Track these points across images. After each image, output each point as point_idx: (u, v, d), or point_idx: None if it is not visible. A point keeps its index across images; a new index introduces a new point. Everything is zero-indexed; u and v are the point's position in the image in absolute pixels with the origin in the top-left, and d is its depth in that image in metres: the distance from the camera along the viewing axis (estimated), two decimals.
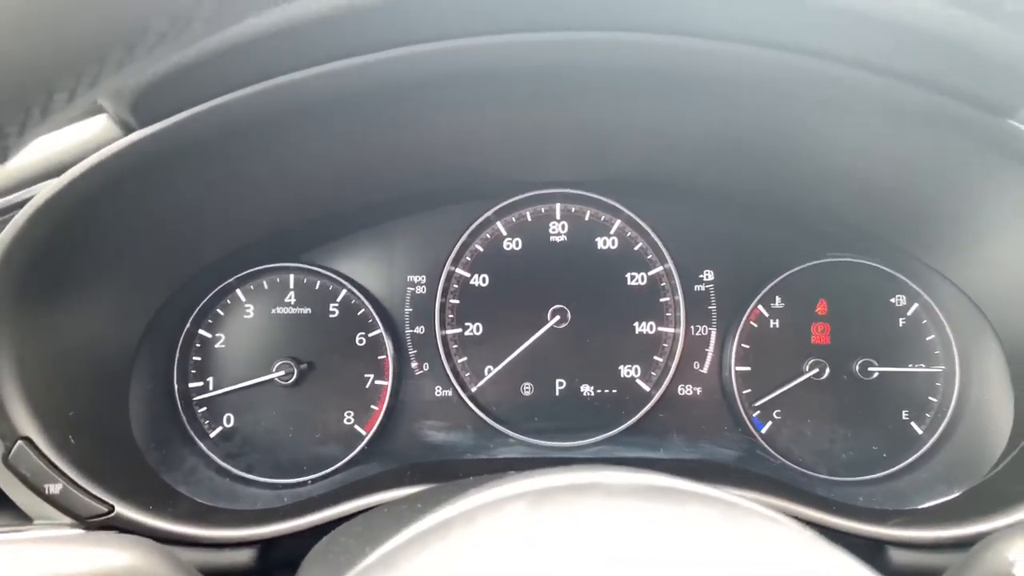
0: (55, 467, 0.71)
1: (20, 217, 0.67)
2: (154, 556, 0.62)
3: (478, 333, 1.02)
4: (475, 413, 1.01)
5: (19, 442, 0.71)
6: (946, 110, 0.68)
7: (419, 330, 1.02)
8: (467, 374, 1.02)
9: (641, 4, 0.65)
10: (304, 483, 0.95)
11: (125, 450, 0.84)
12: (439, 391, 1.02)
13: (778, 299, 1.00)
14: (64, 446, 0.73)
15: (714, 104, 0.77)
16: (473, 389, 1.01)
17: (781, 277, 1.00)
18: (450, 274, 1.02)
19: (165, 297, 0.91)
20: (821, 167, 0.87)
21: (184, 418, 0.96)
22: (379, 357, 1.00)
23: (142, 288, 0.88)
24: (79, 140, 0.68)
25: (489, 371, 1.01)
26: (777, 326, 1.00)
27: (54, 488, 0.71)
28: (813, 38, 0.66)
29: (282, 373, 0.96)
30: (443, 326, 1.02)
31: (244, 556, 0.75)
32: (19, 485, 0.72)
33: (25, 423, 0.71)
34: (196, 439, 0.96)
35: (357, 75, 0.68)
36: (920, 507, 0.85)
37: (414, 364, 1.02)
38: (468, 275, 1.02)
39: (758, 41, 0.67)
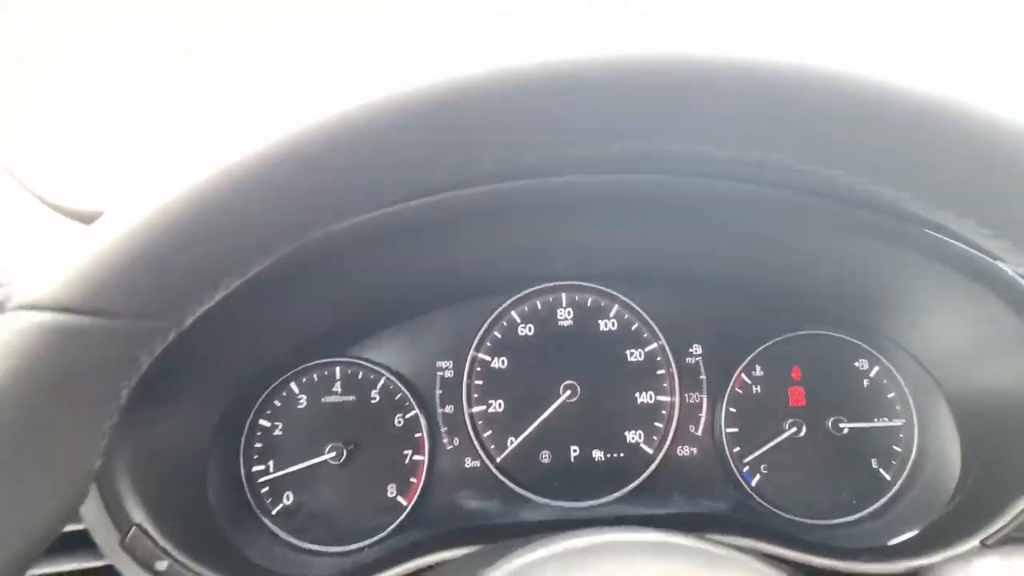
0: (161, 548, 0.86)
1: None
2: None
3: (500, 410, 1.17)
4: (501, 480, 1.15)
5: (133, 528, 0.85)
6: (878, 224, 0.85)
7: (449, 409, 1.17)
8: (492, 446, 1.17)
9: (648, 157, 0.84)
10: (360, 550, 1.09)
11: (211, 531, 0.98)
12: (469, 462, 1.16)
13: (758, 368, 1.16)
14: (166, 530, 0.87)
15: (699, 224, 0.95)
16: (498, 459, 1.16)
17: (760, 349, 1.15)
18: (474, 359, 1.18)
19: (233, 396, 1.07)
20: (788, 265, 1.04)
21: (251, 499, 1.10)
22: (416, 435, 1.15)
23: (216, 390, 1.03)
24: None
25: (511, 443, 1.16)
26: (759, 391, 1.15)
27: (161, 565, 0.85)
28: (778, 175, 0.85)
29: (333, 454, 1.11)
30: (470, 405, 1.17)
31: None
32: (133, 565, 0.86)
33: (136, 512, 0.86)
34: (262, 517, 1.10)
35: (411, 215, 0.86)
36: (888, 544, 0.99)
37: (446, 440, 1.17)
38: (489, 359, 1.18)
39: (738, 178, 0.85)
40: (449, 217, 0.94)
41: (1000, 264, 0.86)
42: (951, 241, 0.86)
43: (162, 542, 0.86)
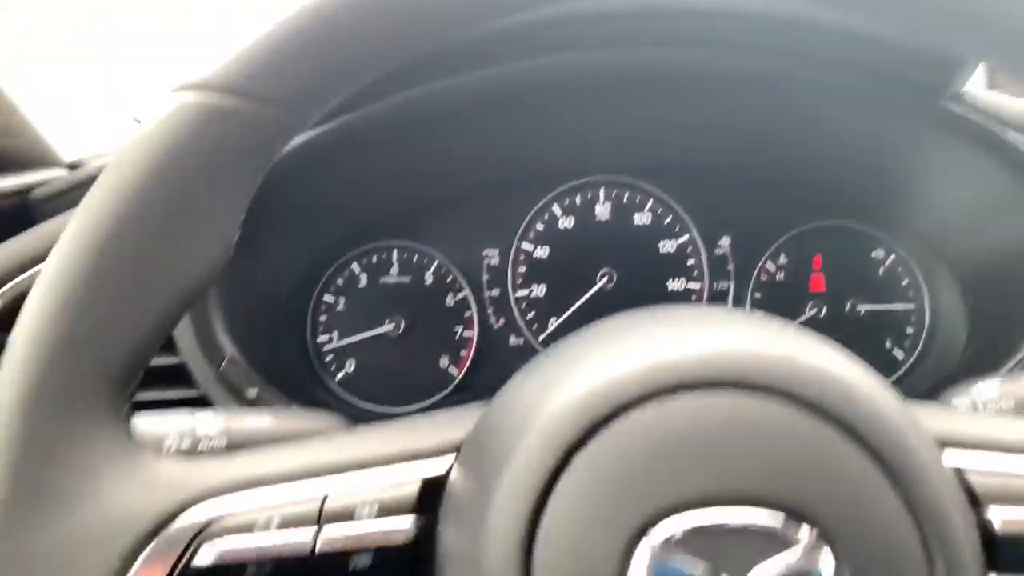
0: (251, 378, 0.97)
1: None
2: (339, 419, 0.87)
3: (542, 294, 1.28)
4: None
5: (226, 360, 0.97)
6: (893, 97, 0.95)
7: (495, 292, 1.27)
8: (535, 326, 1.27)
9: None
10: (412, 412, 1.20)
11: (288, 378, 1.09)
12: (514, 340, 1.27)
13: (782, 256, 1.25)
14: (254, 363, 0.99)
15: (731, 110, 1.05)
16: (541, 338, 1.26)
17: (783, 239, 1.25)
18: (518, 248, 1.28)
19: (302, 269, 1.18)
20: (813, 152, 1.14)
21: (317, 366, 1.22)
22: (465, 314, 1.26)
23: (290, 260, 1.15)
24: None
25: (553, 323, 1.27)
26: (782, 278, 1.25)
27: (251, 393, 0.97)
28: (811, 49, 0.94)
29: (391, 327, 1.22)
30: (514, 289, 1.27)
31: None
32: (225, 394, 0.97)
33: (228, 346, 0.97)
34: (327, 382, 1.22)
35: (463, 96, 0.97)
36: None
37: (493, 320, 1.27)
38: (532, 248, 1.28)
39: (773, 51, 0.95)
40: (500, 99, 1.04)
41: (1002, 131, 0.95)
42: (959, 112, 0.95)
43: (251, 373, 0.97)
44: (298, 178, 1.02)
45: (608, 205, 1.29)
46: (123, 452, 0.48)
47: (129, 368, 0.48)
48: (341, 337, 1.23)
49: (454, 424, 0.50)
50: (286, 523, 0.46)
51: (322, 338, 1.23)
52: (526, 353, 1.26)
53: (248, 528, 0.46)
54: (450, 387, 1.23)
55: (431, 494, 0.48)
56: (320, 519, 0.46)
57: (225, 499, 0.47)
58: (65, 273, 0.46)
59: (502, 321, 1.27)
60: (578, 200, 1.29)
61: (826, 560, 0.38)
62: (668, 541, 0.38)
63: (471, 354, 1.24)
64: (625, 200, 1.29)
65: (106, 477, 0.46)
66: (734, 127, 1.13)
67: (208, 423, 0.64)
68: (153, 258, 0.49)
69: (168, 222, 0.49)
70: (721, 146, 1.18)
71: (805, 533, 0.38)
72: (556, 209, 1.29)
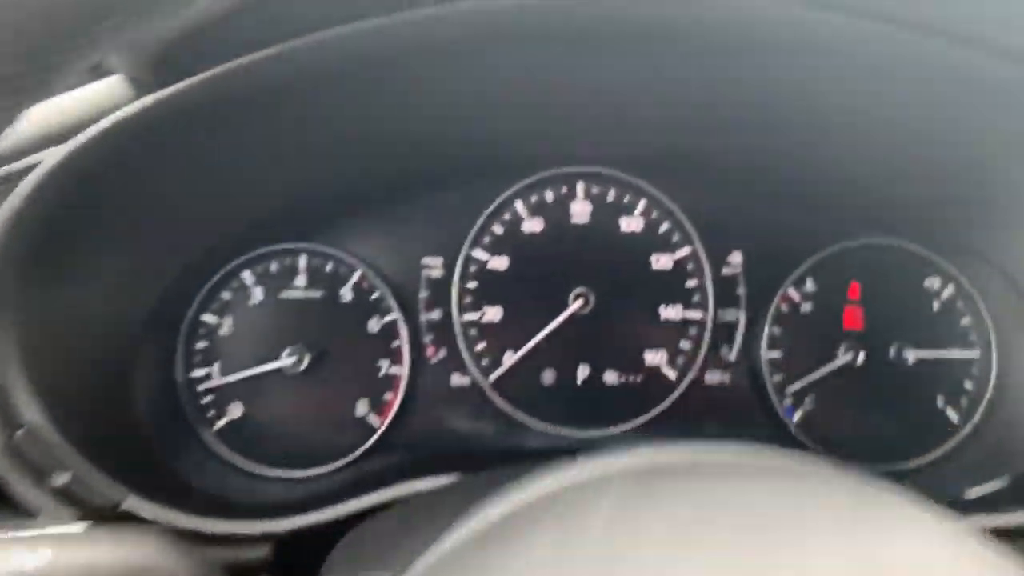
0: (60, 456, 0.66)
1: (25, 186, 0.61)
2: (171, 549, 0.57)
3: (497, 319, 0.98)
4: (494, 402, 0.96)
5: (22, 429, 0.65)
6: (977, 66, 0.64)
7: (435, 315, 0.97)
8: (485, 361, 0.97)
9: None
10: (318, 477, 0.90)
11: (133, 441, 0.79)
12: (457, 379, 0.97)
13: (810, 282, 0.97)
14: (70, 434, 0.67)
15: (742, 70, 0.73)
16: (492, 377, 0.97)
17: (813, 259, 0.96)
18: (468, 257, 0.97)
19: (169, 280, 0.86)
20: (855, 140, 0.84)
21: (189, 408, 0.91)
22: (393, 344, 0.95)
23: (146, 269, 0.83)
24: (89, 103, 0.63)
25: (509, 358, 0.97)
26: (809, 310, 0.97)
27: (61, 479, 0.66)
28: None
29: (292, 360, 0.91)
30: (461, 311, 0.97)
31: (260, 551, 0.71)
32: (21, 476, 0.66)
33: (29, 408, 0.66)
34: (203, 431, 0.91)
35: (378, 37, 0.64)
36: (967, 497, 0.82)
37: (430, 351, 0.97)
38: (487, 258, 0.98)
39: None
40: (423, 48, 0.70)
41: None
42: None
43: (61, 448, 0.66)
44: (149, 157, 0.69)
45: (587, 205, 0.99)
46: None
47: None
48: (225, 372, 0.92)
49: None
50: None
51: (198, 373, 0.92)
52: (471, 397, 0.97)
53: None
54: (369, 442, 0.93)
55: None
56: None
57: None
58: None
59: (442, 354, 0.97)
60: (549, 196, 0.99)
61: None
62: None
63: (398, 397, 0.94)
64: (610, 199, 0.99)
65: None
66: (761, 103, 0.81)
67: None
68: None
69: None
70: (739, 130, 0.87)
71: None
72: (520, 208, 0.99)
